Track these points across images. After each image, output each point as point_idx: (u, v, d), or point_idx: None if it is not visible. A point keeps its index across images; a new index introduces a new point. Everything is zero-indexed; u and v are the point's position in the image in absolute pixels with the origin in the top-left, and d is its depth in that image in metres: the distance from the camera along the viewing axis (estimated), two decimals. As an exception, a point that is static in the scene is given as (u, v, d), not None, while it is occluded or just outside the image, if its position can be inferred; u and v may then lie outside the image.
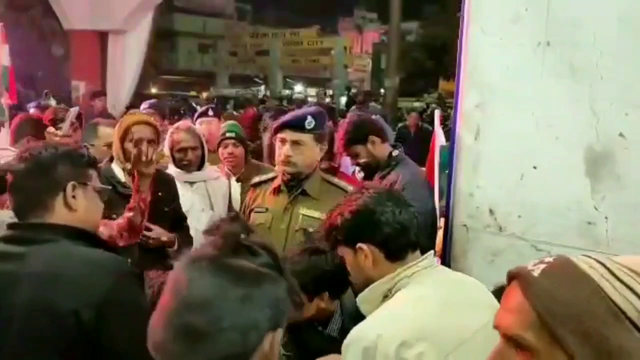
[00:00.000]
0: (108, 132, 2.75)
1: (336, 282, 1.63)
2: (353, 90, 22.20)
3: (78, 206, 1.37)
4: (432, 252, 1.41)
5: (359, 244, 1.35)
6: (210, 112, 3.64)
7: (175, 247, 2.39)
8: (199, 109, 3.85)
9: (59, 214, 1.34)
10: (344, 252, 1.42)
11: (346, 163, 3.45)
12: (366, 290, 1.35)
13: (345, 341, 1.23)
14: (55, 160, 1.36)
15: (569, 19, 2.10)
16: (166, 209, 2.46)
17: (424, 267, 1.33)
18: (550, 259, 0.73)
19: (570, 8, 2.10)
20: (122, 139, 2.37)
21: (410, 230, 1.36)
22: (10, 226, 1.34)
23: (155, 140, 2.41)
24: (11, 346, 1.22)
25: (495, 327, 0.75)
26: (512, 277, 0.76)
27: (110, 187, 1.87)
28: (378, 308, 1.28)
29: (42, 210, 1.33)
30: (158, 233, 2.34)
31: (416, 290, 1.27)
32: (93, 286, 1.21)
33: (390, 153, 2.86)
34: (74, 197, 1.36)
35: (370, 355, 1.14)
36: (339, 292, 1.72)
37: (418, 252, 1.37)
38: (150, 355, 1.26)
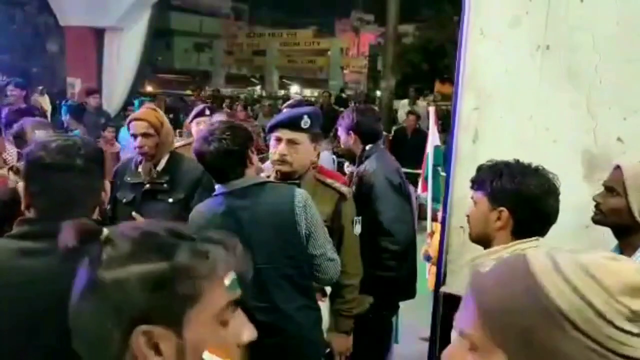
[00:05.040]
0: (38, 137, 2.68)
1: None
2: (348, 92, 22.23)
3: (105, 203, 1.39)
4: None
5: (503, 208, 1.48)
6: (207, 112, 3.61)
7: None
8: (195, 109, 3.80)
9: (92, 213, 1.32)
10: (480, 200, 1.55)
11: (324, 156, 3.39)
12: (484, 252, 1.49)
13: None
14: (96, 158, 1.32)
15: (568, 23, 2.10)
16: (170, 200, 2.44)
17: (536, 246, 1.43)
18: (509, 256, 0.74)
19: (569, 12, 2.10)
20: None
21: (549, 222, 1.50)
22: (29, 222, 1.27)
23: (152, 133, 2.59)
24: (45, 344, 1.16)
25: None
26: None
27: None
28: None
29: (79, 209, 1.26)
30: None
31: None
32: None
33: (364, 148, 2.81)
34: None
35: None
36: None
37: None
38: None
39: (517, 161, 1.53)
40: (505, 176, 1.48)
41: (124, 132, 5.61)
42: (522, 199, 1.46)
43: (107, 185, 1.38)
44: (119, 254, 0.75)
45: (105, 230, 0.77)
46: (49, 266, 1.16)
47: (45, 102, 7.35)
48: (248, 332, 0.81)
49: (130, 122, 2.63)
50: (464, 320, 0.70)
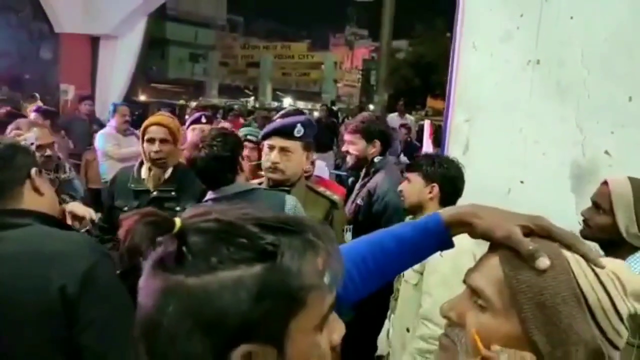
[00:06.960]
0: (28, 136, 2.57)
1: None
2: (340, 105, 22.41)
3: (45, 190, 1.39)
4: None
5: (434, 184, 1.98)
6: (204, 120, 3.65)
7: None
8: (192, 116, 3.84)
9: (28, 200, 1.35)
10: (415, 179, 2.02)
11: (320, 166, 3.34)
12: None
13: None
14: (14, 151, 1.38)
15: (558, 38, 2.15)
16: (178, 208, 2.44)
17: None
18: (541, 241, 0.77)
19: (559, 28, 2.15)
20: (143, 139, 2.59)
21: (459, 195, 1.99)
22: None
23: (169, 140, 2.56)
24: None
25: (464, 281, 0.79)
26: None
27: (54, 178, 2.46)
28: None
29: (11, 200, 1.33)
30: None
31: None
32: (79, 261, 1.21)
33: (372, 159, 2.76)
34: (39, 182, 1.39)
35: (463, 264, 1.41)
36: None
37: None
38: (125, 331, 1.23)
39: (439, 154, 2.02)
40: (437, 163, 1.99)
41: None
42: (448, 177, 1.99)
43: (38, 180, 1.39)
44: (202, 253, 0.58)
45: (178, 222, 0.60)
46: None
47: (37, 108, 7.32)
48: (339, 330, 0.68)
49: (148, 126, 2.56)
50: (482, 279, 0.75)
